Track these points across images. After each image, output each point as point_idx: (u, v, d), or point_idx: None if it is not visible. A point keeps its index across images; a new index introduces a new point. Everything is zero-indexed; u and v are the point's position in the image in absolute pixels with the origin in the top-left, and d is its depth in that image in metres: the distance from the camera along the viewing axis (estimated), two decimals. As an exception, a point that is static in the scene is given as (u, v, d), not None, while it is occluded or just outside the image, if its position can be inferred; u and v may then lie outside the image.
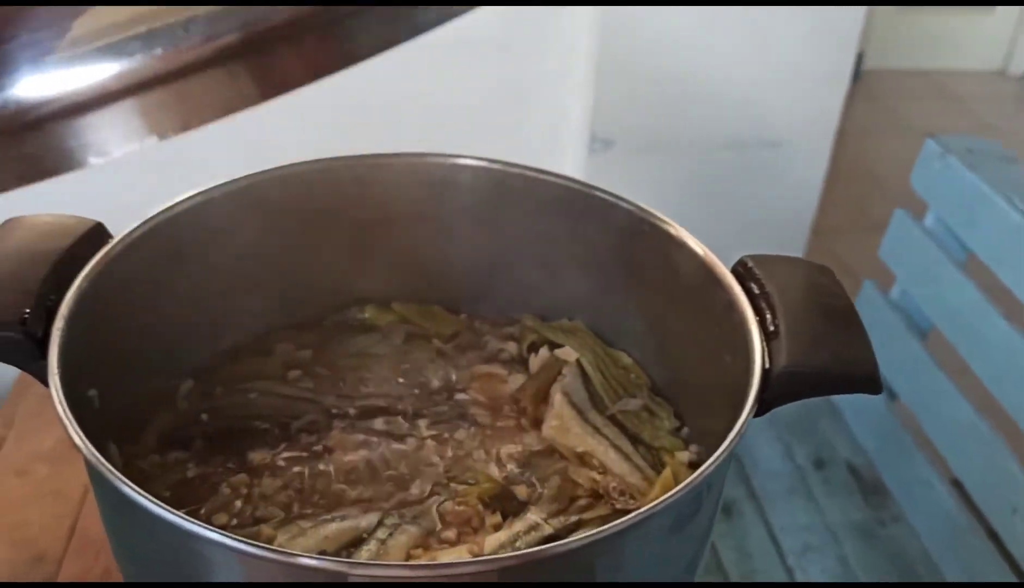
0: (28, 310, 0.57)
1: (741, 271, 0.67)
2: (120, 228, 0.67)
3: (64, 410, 0.53)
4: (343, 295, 0.84)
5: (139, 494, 0.49)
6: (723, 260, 0.68)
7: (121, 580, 0.61)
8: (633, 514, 0.49)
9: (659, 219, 0.71)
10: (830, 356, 0.59)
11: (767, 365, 0.60)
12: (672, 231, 0.70)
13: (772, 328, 0.62)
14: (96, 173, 1.22)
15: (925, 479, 1.19)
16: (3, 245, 0.62)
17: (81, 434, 0.51)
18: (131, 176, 1.25)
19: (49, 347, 0.57)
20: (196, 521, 0.48)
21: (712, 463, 0.52)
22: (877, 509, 1.29)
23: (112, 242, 0.66)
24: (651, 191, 1.53)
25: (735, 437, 0.54)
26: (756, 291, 0.65)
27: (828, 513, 1.27)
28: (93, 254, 0.64)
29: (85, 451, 0.51)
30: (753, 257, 0.67)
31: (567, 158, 1.52)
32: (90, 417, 0.61)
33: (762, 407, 0.58)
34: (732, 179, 1.58)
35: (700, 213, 1.59)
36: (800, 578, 1.28)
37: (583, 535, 0.47)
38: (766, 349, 0.61)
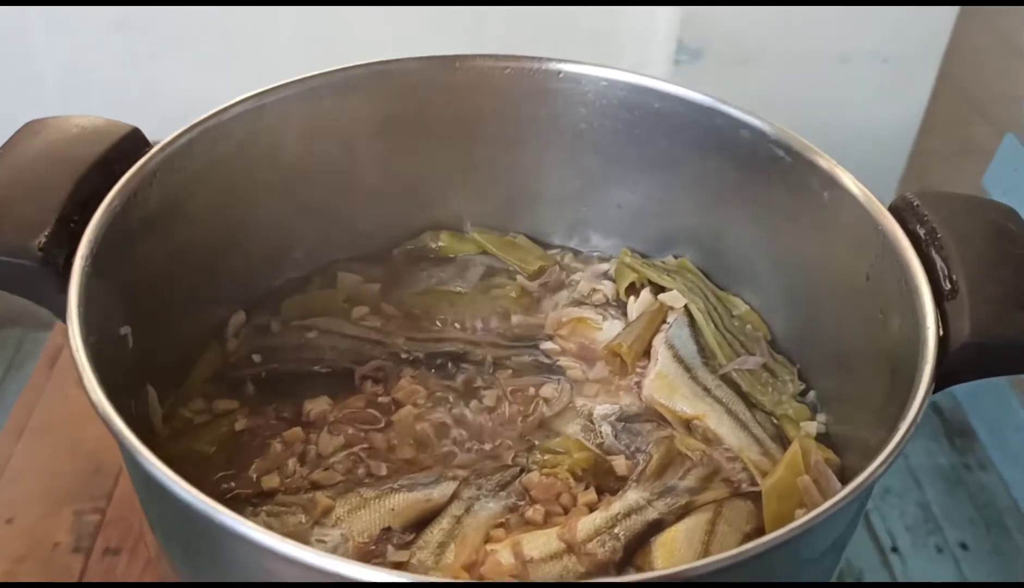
0: (47, 233, 0.48)
1: (903, 209, 0.55)
2: (162, 135, 0.58)
3: (82, 358, 0.43)
4: (416, 220, 0.73)
5: (163, 473, 0.39)
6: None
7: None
8: (787, 530, 0.38)
9: (804, 146, 0.59)
10: (1030, 325, 0.46)
11: (941, 332, 0.48)
12: (822, 163, 0.58)
13: (948, 286, 0.49)
14: (138, 70, 1.13)
15: (1018, 423, 1.07)
16: (21, 152, 0.52)
17: (99, 392, 0.42)
18: (179, 75, 1.17)
19: (70, 278, 0.47)
20: (229, 514, 0.38)
21: (882, 465, 0.41)
22: (963, 453, 1.18)
23: (151, 152, 0.56)
24: (742, 105, 1.41)
25: (908, 429, 0.43)
26: (924, 236, 0.53)
27: (910, 455, 1.17)
28: (128, 166, 0.54)
29: (102, 412, 0.41)
30: (920, 193, 0.55)
31: (650, 70, 1.38)
32: (123, 357, 0.53)
33: (939, 383, 0.46)
34: (830, 94, 1.44)
35: (793, 127, 1.46)
36: (876, 522, 1.18)
37: (727, 556, 0.37)
38: (940, 312, 0.49)
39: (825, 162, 0.58)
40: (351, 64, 0.65)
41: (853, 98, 1.45)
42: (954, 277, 0.49)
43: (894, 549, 1.21)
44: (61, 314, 0.47)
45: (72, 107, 1.20)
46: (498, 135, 0.70)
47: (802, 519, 0.39)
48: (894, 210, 0.55)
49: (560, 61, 0.67)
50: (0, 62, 1.17)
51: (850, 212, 0.56)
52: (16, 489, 0.75)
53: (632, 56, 1.36)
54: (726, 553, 0.38)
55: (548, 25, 1.27)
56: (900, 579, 1.17)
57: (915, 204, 0.54)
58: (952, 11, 1.41)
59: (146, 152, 0.56)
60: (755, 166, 0.63)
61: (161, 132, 1.14)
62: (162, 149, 0.56)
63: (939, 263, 0.50)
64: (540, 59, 0.67)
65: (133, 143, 0.55)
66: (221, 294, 0.64)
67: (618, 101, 0.67)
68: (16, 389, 1.42)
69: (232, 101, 0.60)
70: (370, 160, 0.69)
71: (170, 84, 1.19)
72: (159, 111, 1.19)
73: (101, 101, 1.20)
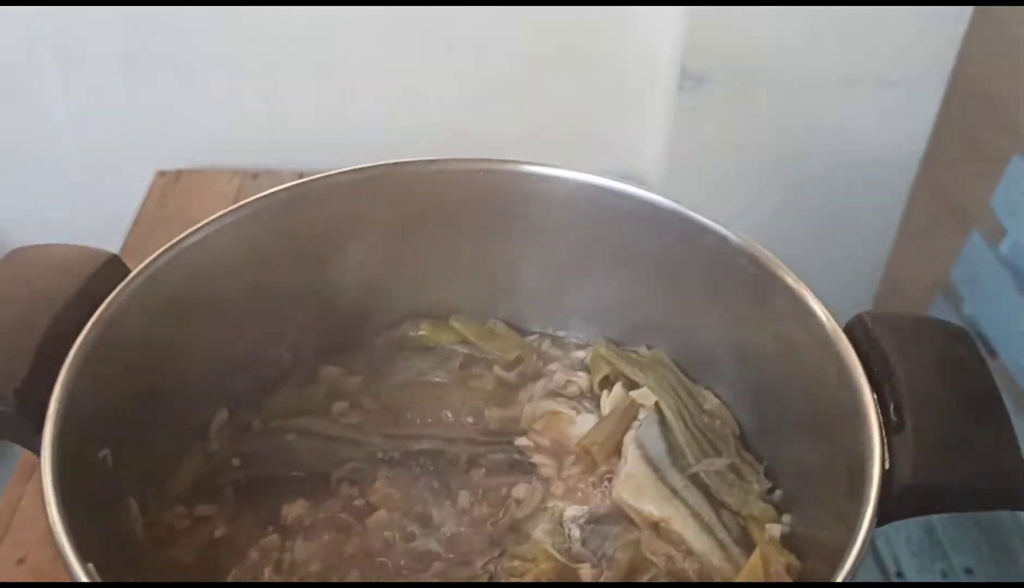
0: (22, 379, 0.50)
1: (859, 332, 0.56)
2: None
3: (53, 512, 0.45)
4: (396, 309, 0.75)
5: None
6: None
7: None
8: None
9: (768, 259, 0.60)
10: (971, 468, 0.48)
11: (887, 465, 0.49)
12: (787, 279, 0.59)
13: (895, 418, 0.51)
14: (150, 105, 1.16)
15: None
16: (2, 288, 0.54)
17: (75, 561, 0.44)
18: (191, 109, 1.19)
19: (46, 421, 0.49)
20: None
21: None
22: (969, 477, 1.17)
23: (127, 279, 0.58)
24: (745, 131, 1.40)
25: (851, 569, 0.44)
26: (875, 362, 0.54)
27: None
28: (107, 293, 0.56)
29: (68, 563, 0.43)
30: (873, 315, 0.56)
31: (655, 97, 1.39)
32: (104, 477, 0.55)
33: (881, 519, 0.48)
34: (836, 118, 1.44)
35: (797, 151, 1.46)
36: (882, 548, 1.18)
37: None
38: (886, 444, 0.50)
39: (791, 279, 0.59)
40: (327, 172, 0.67)
41: (859, 121, 1.45)
42: (901, 411, 0.50)
43: (899, 574, 1.22)
44: (37, 452, 0.49)
45: (85, 144, 1.24)
46: (476, 230, 0.72)
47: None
48: (850, 332, 0.56)
49: (532, 164, 0.68)
50: (12, 99, 1.20)
51: (811, 329, 0.57)
52: (27, 530, 0.77)
53: (635, 82, 1.37)
54: None
55: (551, 49, 1.28)
56: (905, 604, 1.17)
57: (869, 326, 0.55)
58: (962, 26, 1.40)
59: (124, 277, 0.57)
60: (720, 270, 0.64)
61: (173, 165, 1.18)
62: (139, 273, 0.58)
63: (888, 394, 0.52)
64: (513, 162, 0.68)
65: (111, 271, 0.57)
66: (202, 397, 0.66)
67: (588, 202, 0.68)
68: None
69: (207, 219, 0.62)
70: (350, 257, 0.70)
71: (183, 118, 1.22)
72: (171, 145, 1.23)
73: (113, 137, 1.24)
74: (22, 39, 1.15)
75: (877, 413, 0.51)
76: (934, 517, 1.25)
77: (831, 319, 0.57)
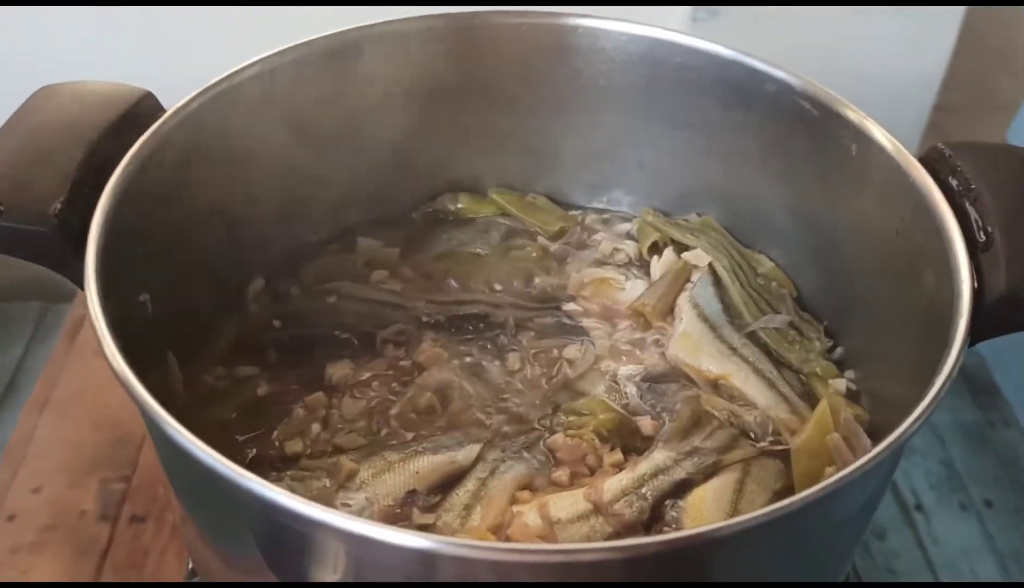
0: (62, 200, 0.47)
1: (934, 160, 0.53)
2: (175, 100, 0.57)
3: (101, 325, 0.43)
4: (433, 181, 0.72)
5: (184, 437, 0.39)
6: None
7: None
8: (819, 488, 0.37)
9: (831, 98, 0.58)
10: (1068, 275, 0.45)
11: (976, 285, 0.47)
12: (851, 115, 0.56)
13: (982, 237, 0.48)
14: (147, 38, 1.12)
15: (1043, 381, 1.05)
16: (35, 119, 0.51)
17: (118, 357, 0.41)
18: (189, 41, 1.15)
19: (87, 246, 0.47)
20: (255, 479, 0.38)
21: (917, 421, 0.40)
22: (987, 411, 1.16)
23: (165, 115, 0.55)
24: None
25: (944, 384, 0.42)
26: (957, 187, 0.51)
27: (933, 413, 1.15)
28: (142, 130, 0.53)
29: (121, 377, 0.41)
30: (951, 144, 0.53)
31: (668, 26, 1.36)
32: (143, 325, 0.52)
33: (974, 337, 0.45)
34: (851, 47, 1.41)
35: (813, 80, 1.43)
36: (900, 480, 1.17)
37: (756, 516, 0.36)
38: (974, 264, 0.47)
39: (854, 114, 0.57)
40: (365, 23, 0.64)
41: (874, 51, 1.42)
42: (989, 228, 0.48)
43: (918, 507, 1.20)
44: (79, 281, 0.47)
45: (81, 72, 1.20)
46: (516, 93, 0.69)
47: (835, 476, 0.38)
48: (925, 162, 0.53)
49: (578, 16, 0.65)
50: (13, 29, 1.17)
51: (880, 165, 0.55)
52: (42, 460, 0.75)
53: (647, 11, 1.33)
54: (754, 513, 0.38)
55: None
56: (924, 537, 1.16)
57: (947, 155, 0.52)
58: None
59: (159, 116, 0.55)
60: (780, 120, 0.61)
61: (171, 101, 1.14)
62: (175, 113, 0.55)
63: (973, 214, 0.49)
64: (558, 14, 0.65)
65: (146, 107, 0.54)
66: (239, 260, 0.64)
67: (639, 56, 0.65)
68: (38, 362, 1.42)
69: (244, 63, 0.59)
70: (386, 121, 0.68)
71: (179, 52, 1.18)
72: (169, 78, 1.19)
73: (111, 69, 1.20)
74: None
75: (961, 233, 0.49)
76: (952, 450, 1.24)
77: (903, 150, 0.54)
